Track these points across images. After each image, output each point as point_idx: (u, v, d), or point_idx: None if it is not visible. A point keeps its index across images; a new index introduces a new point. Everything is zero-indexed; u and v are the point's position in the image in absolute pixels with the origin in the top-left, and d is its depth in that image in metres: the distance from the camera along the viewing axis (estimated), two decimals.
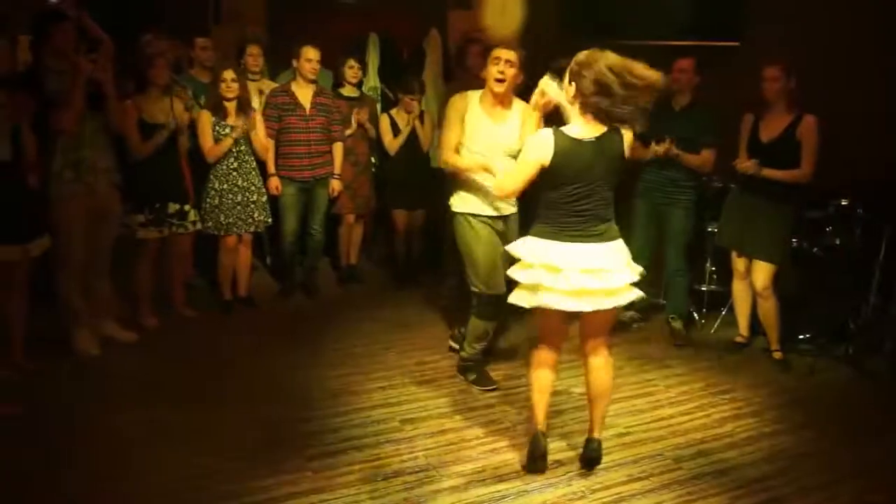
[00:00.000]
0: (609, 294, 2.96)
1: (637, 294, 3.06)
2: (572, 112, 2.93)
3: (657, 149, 4.47)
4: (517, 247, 3.04)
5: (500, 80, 3.62)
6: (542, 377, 3.15)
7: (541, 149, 2.91)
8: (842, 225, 4.46)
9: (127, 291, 4.58)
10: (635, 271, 3.04)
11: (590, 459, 3.22)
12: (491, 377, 4.03)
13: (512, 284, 3.11)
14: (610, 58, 2.81)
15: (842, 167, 4.24)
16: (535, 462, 3.18)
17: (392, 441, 3.42)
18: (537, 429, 3.19)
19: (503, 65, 3.62)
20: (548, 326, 3.11)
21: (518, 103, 3.76)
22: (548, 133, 2.92)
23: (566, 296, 2.90)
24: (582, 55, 2.89)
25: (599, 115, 2.87)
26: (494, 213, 3.83)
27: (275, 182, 5.01)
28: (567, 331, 3.15)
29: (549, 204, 2.98)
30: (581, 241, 2.93)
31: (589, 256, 2.92)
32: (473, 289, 3.86)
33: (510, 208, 3.87)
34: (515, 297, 3.04)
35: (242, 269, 5.05)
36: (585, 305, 2.93)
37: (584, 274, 2.90)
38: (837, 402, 3.98)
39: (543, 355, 3.15)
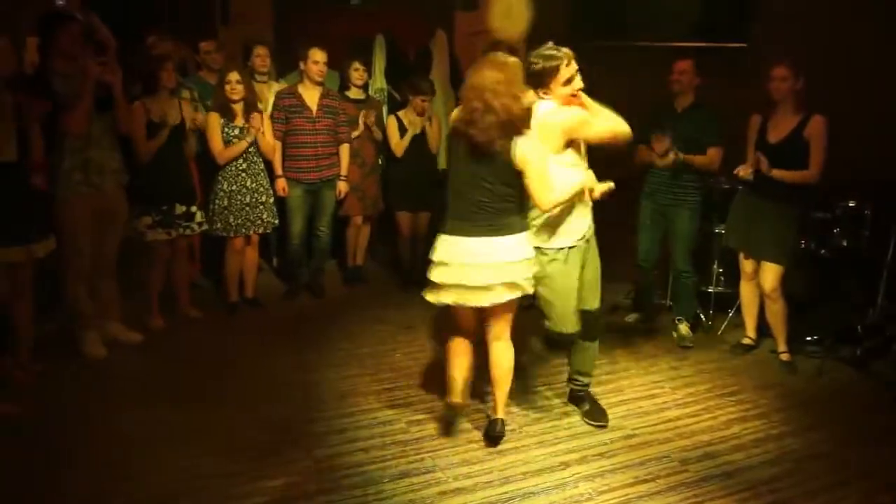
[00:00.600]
0: (511, 288, 3.16)
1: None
2: None
3: (664, 161, 4.43)
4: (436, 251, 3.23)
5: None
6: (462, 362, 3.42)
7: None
8: (849, 226, 4.44)
9: (132, 292, 4.60)
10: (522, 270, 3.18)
11: (492, 437, 3.41)
12: (602, 413, 3.73)
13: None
14: (487, 76, 3.02)
15: (843, 167, 4.22)
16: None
17: (398, 443, 3.42)
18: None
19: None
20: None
21: None
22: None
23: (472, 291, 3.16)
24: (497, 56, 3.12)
25: None
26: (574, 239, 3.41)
27: (282, 183, 5.03)
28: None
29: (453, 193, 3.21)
30: (480, 235, 3.14)
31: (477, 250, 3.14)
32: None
33: (585, 226, 3.42)
34: (433, 297, 3.25)
35: (249, 271, 5.06)
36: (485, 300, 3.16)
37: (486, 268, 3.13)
38: (845, 404, 3.97)
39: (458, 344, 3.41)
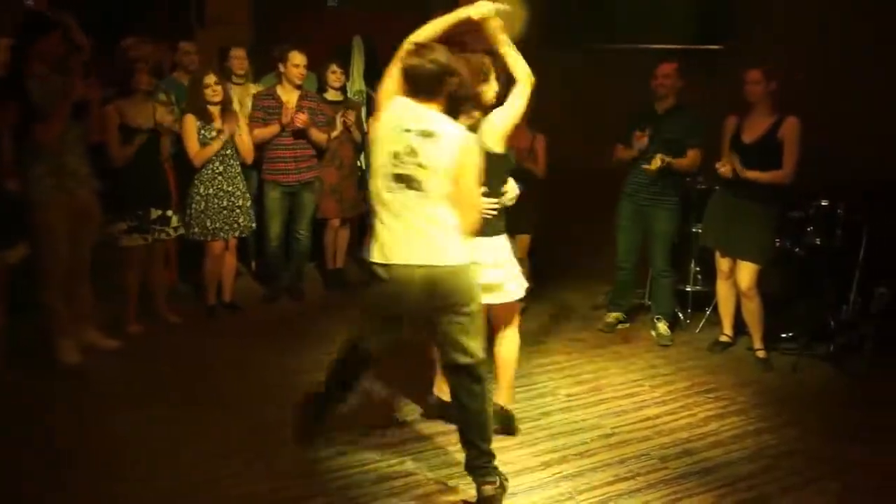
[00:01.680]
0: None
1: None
2: None
3: (650, 168, 4.45)
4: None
5: None
6: None
7: None
8: (823, 225, 4.51)
9: (108, 298, 4.55)
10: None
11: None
12: None
13: None
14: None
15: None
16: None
17: (380, 445, 3.42)
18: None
19: None
20: None
21: None
22: None
23: None
24: None
25: None
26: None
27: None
28: None
29: None
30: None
31: None
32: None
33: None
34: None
35: (227, 275, 5.02)
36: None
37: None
38: (820, 401, 4.03)
39: None
